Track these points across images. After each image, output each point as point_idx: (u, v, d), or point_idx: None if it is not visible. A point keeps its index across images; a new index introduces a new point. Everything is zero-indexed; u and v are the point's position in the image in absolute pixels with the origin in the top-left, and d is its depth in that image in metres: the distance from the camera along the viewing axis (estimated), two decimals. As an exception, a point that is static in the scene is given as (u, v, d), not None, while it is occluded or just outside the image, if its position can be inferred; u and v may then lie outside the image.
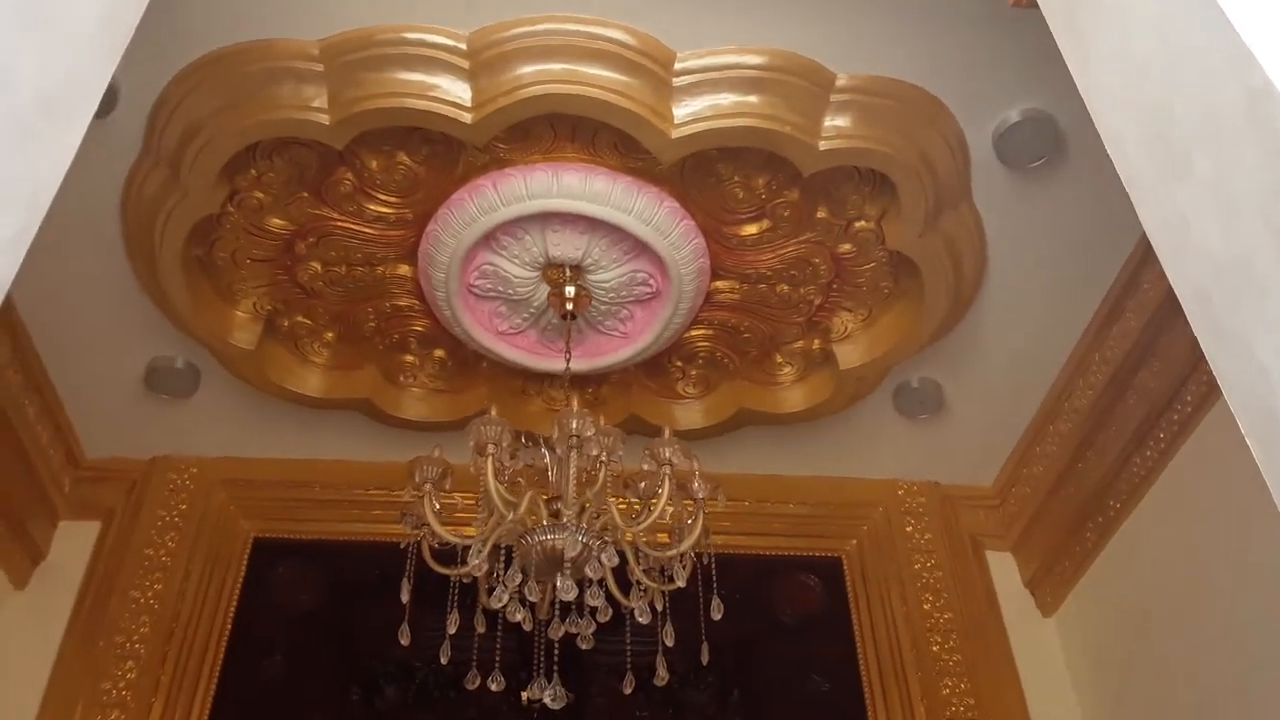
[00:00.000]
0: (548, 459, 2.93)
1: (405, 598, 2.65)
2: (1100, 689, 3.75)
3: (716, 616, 2.69)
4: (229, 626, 3.76)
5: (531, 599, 2.68)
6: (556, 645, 2.83)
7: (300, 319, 3.67)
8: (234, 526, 4.01)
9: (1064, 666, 3.91)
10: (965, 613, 3.95)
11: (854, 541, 4.19)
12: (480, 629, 2.83)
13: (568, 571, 2.53)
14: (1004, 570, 4.17)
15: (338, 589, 3.93)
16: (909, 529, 4.18)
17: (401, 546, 2.84)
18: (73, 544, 3.91)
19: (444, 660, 2.69)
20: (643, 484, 2.82)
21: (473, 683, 2.86)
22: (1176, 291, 1.34)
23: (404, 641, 2.71)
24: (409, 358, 3.86)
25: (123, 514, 3.98)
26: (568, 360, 3.31)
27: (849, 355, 3.66)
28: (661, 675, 2.76)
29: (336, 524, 4.07)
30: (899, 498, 4.26)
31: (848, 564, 4.14)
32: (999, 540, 4.24)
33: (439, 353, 3.83)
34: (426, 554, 2.81)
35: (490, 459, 2.64)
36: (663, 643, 2.69)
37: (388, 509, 3.87)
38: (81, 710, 3.48)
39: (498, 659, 2.82)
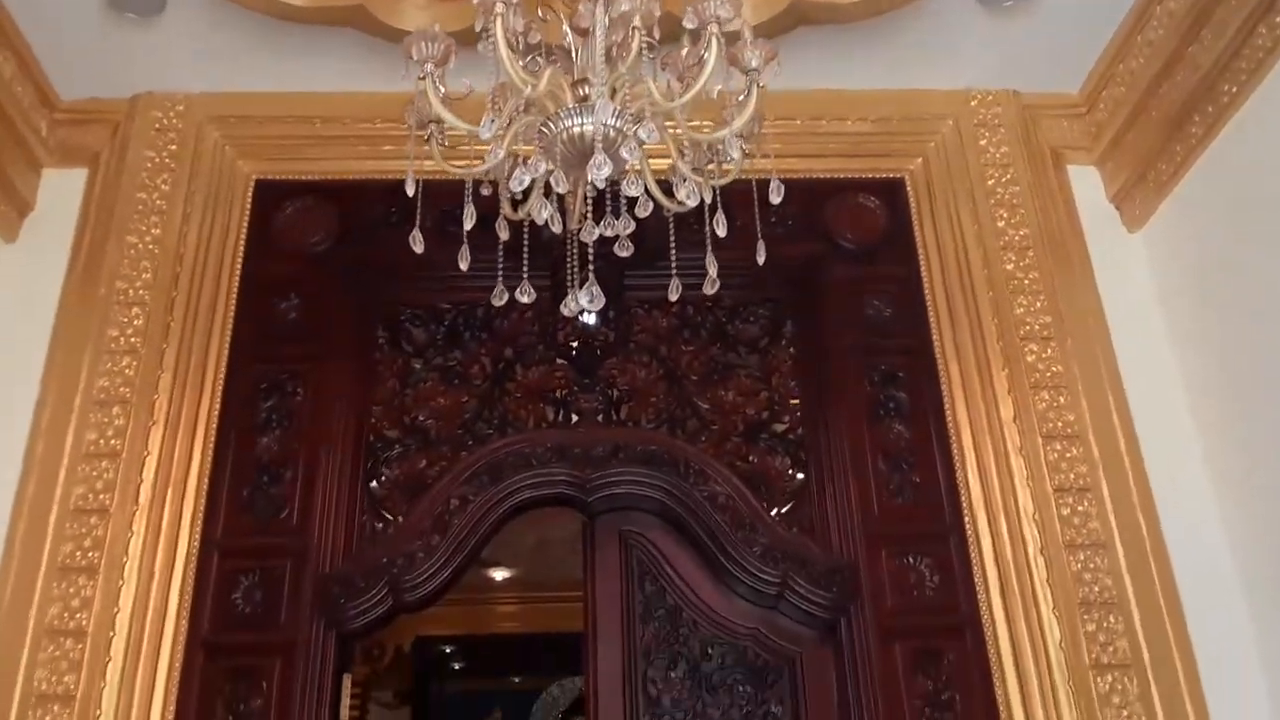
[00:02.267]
0: (569, 40, 2.47)
1: (411, 190, 2.28)
2: (1190, 306, 3.41)
3: (776, 199, 2.30)
4: (238, 270, 3.48)
5: (559, 190, 2.31)
6: (591, 250, 2.46)
7: (269, -98, 3.10)
8: (232, 167, 3.63)
9: (1149, 283, 3.56)
10: (1043, 229, 3.57)
11: (919, 160, 3.75)
12: (504, 235, 2.48)
13: (600, 154, 2.13)
14: (1087, 185, 3.74)
15: (352, 230, 3.59)
16: (982, 142, 3.72)
17: (408, 148, 2.43)
18: (60, 192, 3.58)
19: (463, 266, 2.34)
20: (684, 51, 2.35)
21: (499, 299, 2.52)
22: None
23: (418, 248, 2.35)
24: (405, -48, 3.30)
25: (109, 157, 3.61)
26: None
27: (923, -79, 3.06)
28: (712, 277, 2.40)
29: (345, 161, 3.68)
30: (972, 109, 3.77)
31: (912, 184, 3.72)
32: (1083, 153, 3.78)
33: (439, -56, 3.27)
34: (436, 154, 2.40)
35: (500, 19, 2.16)
36: (713, 233, 2.30)
37: (399, 143, 3.46)
38: (90, 359, 3.27)
39: (525, 270, 2.49)
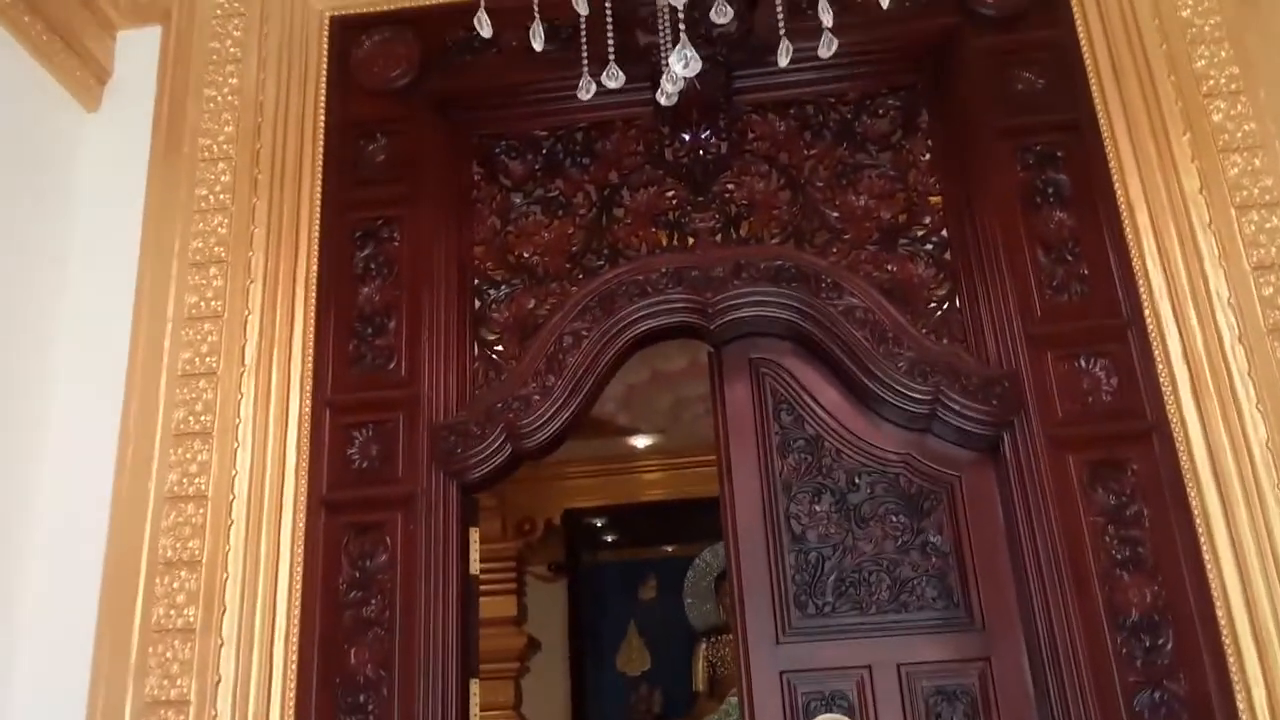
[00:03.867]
0: None
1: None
2: None
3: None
4: (321, 115, 3.26)
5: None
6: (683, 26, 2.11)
7: None
8: (304, 5, 3.38)
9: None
10: (1228, -35, 3.00)
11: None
12: (584, 11, 2.14)
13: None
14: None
15: (434, 60, 3.31)
16: None
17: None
18: (136, 54, 3.41)
19: (537, 46, 2.05)
20: None
21: (586, 91, 2.23)
22: None
23: (485, 31, 2.06)
24: None
25: (179, 11, 3.42)
26: None
27: None
28: (826, 27, 2.02)
29: (420, -13, 3.40)
30: None
31: (1064, -69, 3.19)
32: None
33: None
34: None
35: None
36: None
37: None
38: (182, 221, 3.14)
39: (611, 50, 2.16)
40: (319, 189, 3.18)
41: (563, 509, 7.49)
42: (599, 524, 8.39)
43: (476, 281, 3.18)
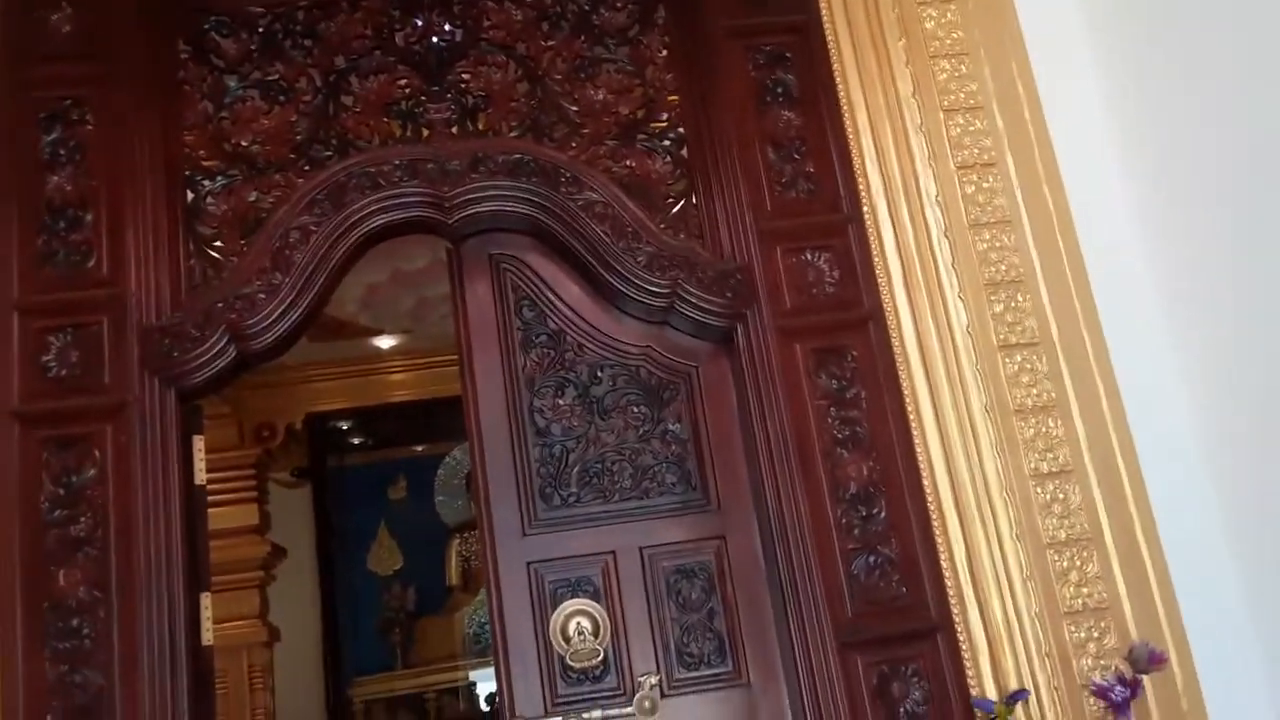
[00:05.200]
0: None
1: None
2: None
3: None
4: (-9, -23, 2.85)
5: None
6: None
7: None
8: None
9: None
10: None
11: None
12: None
13: None
14: None
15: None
16: None
17: None
18: None
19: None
20: None
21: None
22: None
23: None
24: None
25: None
26: None
27: None
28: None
29: None
30: None
31: None
32: None
33: None
34: None
35: None
36: None
37: None
38: None
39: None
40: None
41: (305, 413, 7.21)
42: (344, 427, 8.18)
43: (189, 171, 2.90)
